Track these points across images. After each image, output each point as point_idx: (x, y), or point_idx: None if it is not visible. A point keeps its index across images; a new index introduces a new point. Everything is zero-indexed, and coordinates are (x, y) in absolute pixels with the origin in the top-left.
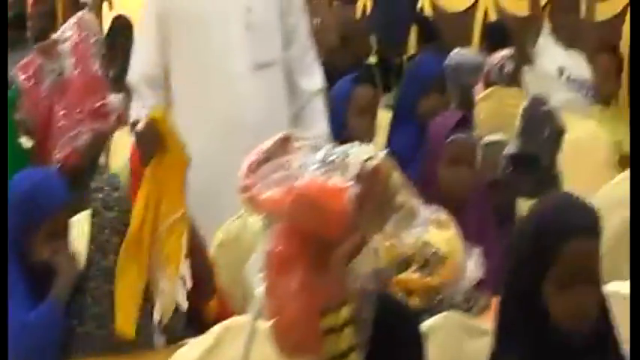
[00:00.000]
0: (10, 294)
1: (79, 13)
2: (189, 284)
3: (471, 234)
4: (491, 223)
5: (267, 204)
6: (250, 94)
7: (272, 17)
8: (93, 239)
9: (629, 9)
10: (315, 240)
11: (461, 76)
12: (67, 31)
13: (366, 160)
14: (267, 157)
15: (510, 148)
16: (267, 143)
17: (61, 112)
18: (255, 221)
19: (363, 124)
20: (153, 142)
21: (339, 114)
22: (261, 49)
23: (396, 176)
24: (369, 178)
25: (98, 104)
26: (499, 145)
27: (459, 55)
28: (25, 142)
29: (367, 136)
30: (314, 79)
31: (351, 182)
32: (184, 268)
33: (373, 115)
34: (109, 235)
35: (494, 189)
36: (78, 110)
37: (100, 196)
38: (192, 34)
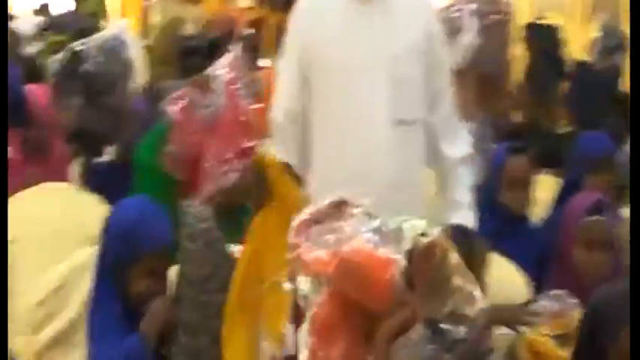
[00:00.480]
0: (102, 317)
1: (232, 52)
2: (291, 351)
3: None
4: None
5: (314, 265)
6: (388, 148)
7: (417, 74)
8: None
9: None
10: (360, 309)
11: None
12: (219, 68)
13: (421, 236)
14: (319, 218)
15: None
16: (321, 205)
17: (211, 150)
18: None
19: (515, 196)
20: (259, 188)
21: (491, 183)
22: (404, 105)
23: (454, 257)
24: (421, 255)
25: (247, 145)
26: None
27: None
28: (173, 171)
29: (519, 209)
30: (459, 145)
31: (400, 255)
32: (289, 332)
33: (526, 187)
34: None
35: None
36: (226, 149)
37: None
38: (334, 78)
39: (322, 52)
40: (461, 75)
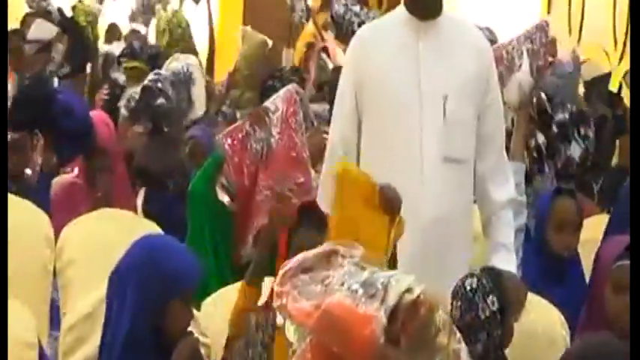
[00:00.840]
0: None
1: (291, 86)
2: None
3: None
4: None
5: (297, 315)
6: (436, 184)
7: (469, 114)
8: None
9: None
10: None
11: None
12: (278, 102)
13: (405, 292)
14: (308, 267)
15: None
16: (310, 253)
17: (264, 182)
18: None
19: (561, 238)
20: None
21: (539, 225)
22: (454, 143)
23: (441, 314)
24: (406, 311)
25: (300, 180)
26: None
27: None
28: (227, 201)
29: (565, 251)
30: (505, 189)
31: (383, 312)
32: None
33: (573, 230)
34: None
35: None
36: (278, 183)
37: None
38: (385, 111)
39: (375, 86)
40: (515, 114)
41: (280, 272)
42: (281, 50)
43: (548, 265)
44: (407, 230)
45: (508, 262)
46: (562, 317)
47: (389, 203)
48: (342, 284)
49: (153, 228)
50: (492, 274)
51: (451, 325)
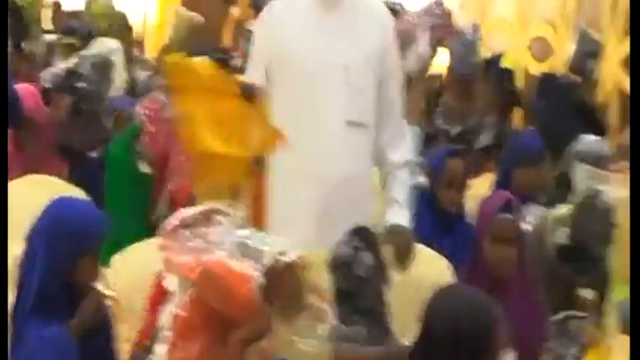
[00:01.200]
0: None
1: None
2: None
3: (513, 311)
4: (531, 302)
5: (180, 269)
6: (340, 147)
7: (370, 83)
8: None
9: None
10: (219, 316)
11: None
12: None
13: (280, 254)
14: (189, 223)
15: (560, 237)
16: (192, 210)
17: (178, 148)
18: None
19: (450, 195)
20: None
21: (432, 183)
22: (356, 109)
23: (311, 276)
24: (279, 272)
25: None
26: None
27: (586, 142)
28: (144, 167)
29: (452, 207)
30: (402, 152)
31: (259, 272)
32: None
33: (460, 188)
34: None
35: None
36: None
37: None
38: (292, 81)
39: (283, 56)
40: (412, 83)
41: (163, 227)
42: (219, 29)
43: (437, 219)
44: (314, 191)
45: (400, 216)
46: (450, 265)
47: (250, 90)
48: (220, 242)
49: (78, 193)
50: (361, 233)
51: (320, 287)
